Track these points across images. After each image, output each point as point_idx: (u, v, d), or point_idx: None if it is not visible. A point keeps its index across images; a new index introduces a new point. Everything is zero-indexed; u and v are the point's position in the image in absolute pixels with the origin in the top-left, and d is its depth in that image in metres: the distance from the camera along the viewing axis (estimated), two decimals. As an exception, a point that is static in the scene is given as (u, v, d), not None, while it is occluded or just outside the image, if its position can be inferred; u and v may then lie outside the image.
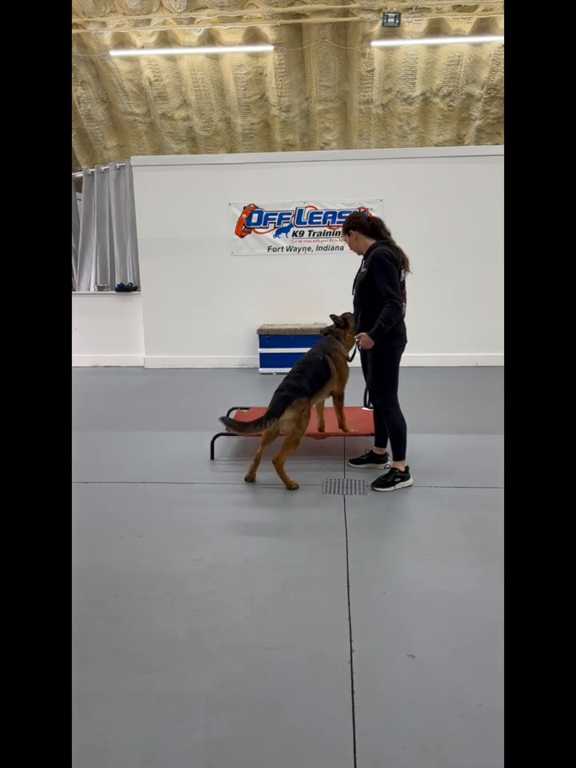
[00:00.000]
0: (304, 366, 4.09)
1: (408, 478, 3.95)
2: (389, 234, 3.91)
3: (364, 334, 3.78)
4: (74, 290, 8.94)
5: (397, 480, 3.89)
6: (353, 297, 4.01)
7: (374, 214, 7.82)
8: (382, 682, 2.16)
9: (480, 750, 1.86)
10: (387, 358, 3.86)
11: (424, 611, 2.58)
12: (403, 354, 3.91)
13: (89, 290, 9.07)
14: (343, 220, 4.08)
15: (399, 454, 3.95)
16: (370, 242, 3.87)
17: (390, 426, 3.96)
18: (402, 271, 3.81)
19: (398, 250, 3.83)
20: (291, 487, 3.89)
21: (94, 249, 9.19)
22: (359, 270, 3.96)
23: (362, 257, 3.95)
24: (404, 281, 3.85)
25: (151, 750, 1.88)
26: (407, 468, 3.96)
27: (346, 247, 4.11)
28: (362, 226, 3.87)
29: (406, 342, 3.90)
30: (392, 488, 3.86)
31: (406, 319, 3.91)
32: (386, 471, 3.99)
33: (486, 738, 1.89)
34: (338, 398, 4.33)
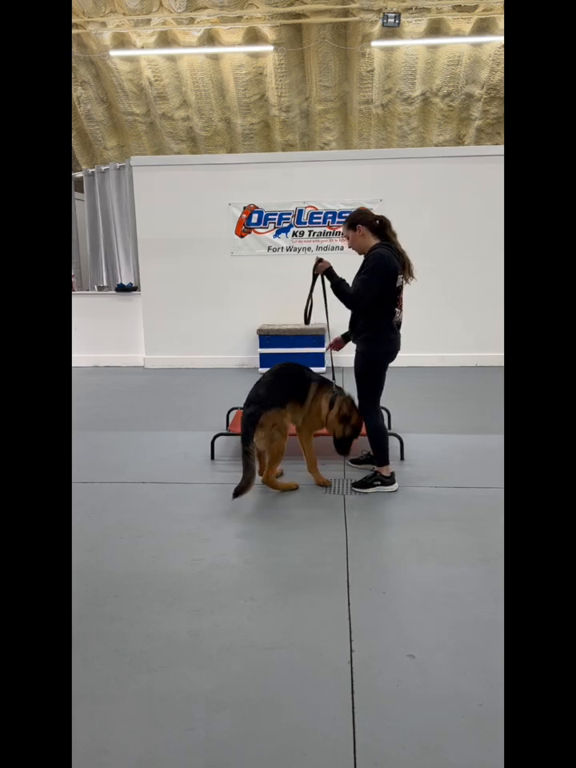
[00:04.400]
0: (281, 373, 3.95)
1: (392, 483, 3.87)
2: (394, 235, 3.76)
3: (326, 261, 3.78)
4: (75, 290, 8.94)
5: (376, 483, 3.85)
6: None
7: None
8: (382, 681, 2.16)
9: (480, 750, 1.86)
10: (370, 361, 3.75)
11: (424, 611, 2.58)
12: (400, 354, 3.83)
13: (92, 289, 9.08)
14: (344, 219, 3.94)
15: (382, 460, 3.87)
16: (374, 241, 3.71)
17: (368, 431, 3.85)
18: (400, 277, 3.67)
19: (401, 254, 3.70)
20: (291, 488, 3.88)
21: (91, 249, 9.19)
22: (358, 273, 3.80)
23: (362, 257, 3.78)
24: (401, 286, 3.72)
25: (151, 749, 1.88)
26: (393, 473, 3.89)
27: (346, 246, 3.91)
28: (371, 224, 3.71)
29: (396, 349, 3.79)
30: (371, 490, 3.82)
31: (406, 319, 3.88)
32: (370, 473, 3.94)
33: (486, 738, 1.89)
34: (301, 432, 3.98)
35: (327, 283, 3.83)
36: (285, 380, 3.93)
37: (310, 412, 3.92)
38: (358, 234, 3.73)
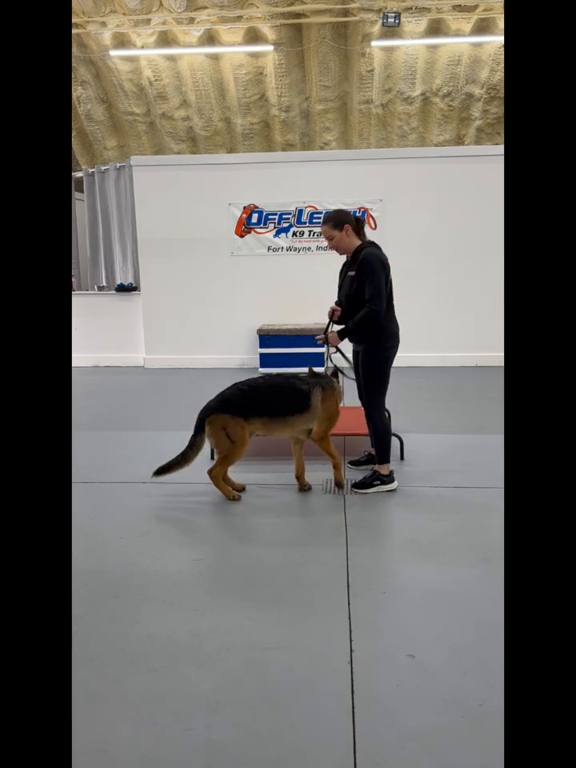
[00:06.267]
0: (259, 383, 3.82)
1: (391, 482, 3.86)
2: (365, 235, 3.82)
3: (334, 332, 3.76)
4: (74, 290, 8.94)
5: (376, 483, 3.84)
6: (340, 299, 3.91)
7: (374, 215, 7.83)
8: (382, 682, 2.16)
9: (480, 749, 1.86)
10: (379, 359, 3.74)
11: (424, 611, 2.58)
12: (400, 354, 3.84)
13: (91, 289, 9.08)
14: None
15: (383, 458, 3.86)
16: (357, 241, 3.74)
17: (371, 428, 3.86)
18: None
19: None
20: (229, 498, 3.74)
21: (91, 249, 9.20)
22: (344, 273, 3.82)
23: (345, 257, 3.82)
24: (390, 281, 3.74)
25: (151, 749, 1.88)
26: (392, 472, 3.89)
27: (328, 246, 3.84)
28: (353, 224, 3.72)
29: (399, 342, 3.81)
30: (372, 490, 3.82)
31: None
32: (369, 473, 3.93)
33: (486, 738, 1.89)
34: (320, 440, 3.84)
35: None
36: (267, 395, 3.77)
37: (322, 415, 3.77)
38: (345, 233, 3.71)
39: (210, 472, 3.78)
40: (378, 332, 3.68)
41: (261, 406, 3.72)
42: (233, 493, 3.79)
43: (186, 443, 3.73)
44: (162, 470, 3.71)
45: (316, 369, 4.04)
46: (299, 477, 3.96)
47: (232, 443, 3.69)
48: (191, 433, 3.76)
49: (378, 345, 3.73)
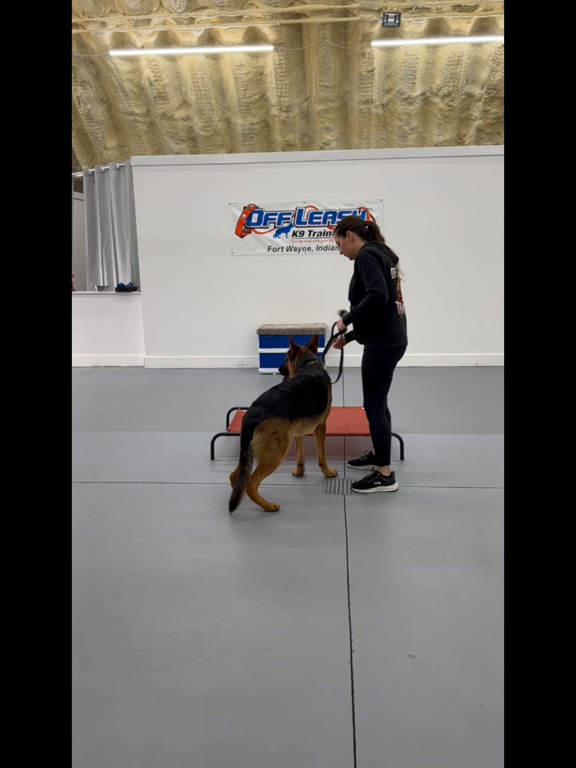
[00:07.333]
0: (305, 388, 3.83)
1: (392, 483, 3.87)
2: (383, 240, 3.85)
3: (339, 319, 3.88)
4: (74, 290, 8.94)
5: (376, 483, 3.85)
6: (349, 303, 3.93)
7: (373, 215, 7.84)
8: (382, 682, 2.16)
9: (480, 750, 1.86)
10: (380, 358, 3.76)
11: (424, 611, 2.58)
12: (404, 355, 3.84)
13: (90, 289, 9.08)
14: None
15: (383, 460, 3.87)
16: (362, 244, 3.78)
17: (371, 430, 3.87)
18: (393, 269, 3.72)
19: (386, 249, 3.78)
20: (270, 510, 3.58)
21: (89, 249, 9.20)
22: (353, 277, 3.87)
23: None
24: (397, 279, 3.76)
25: (151, 749, 1.88)
26: (393, 473, 3.90)
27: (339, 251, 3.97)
28: (360, 229, 3.78)
29: (404, 344, 3.80)
30: (372, 490, 3.83)
31: (407, 319, 3.88)
32: (370, 473, 3.94)
33: (486, 738, 1.89)
34: (321, 429, 4.05)
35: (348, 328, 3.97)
36: (306, 395, 3.80)
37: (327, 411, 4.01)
38: (348, 240, 3.81)
39: (248, 488, 3.54)
40: (381, 325, 3.70)
41: (302, 408, 3.74)
42: (271, 504, 3.60)
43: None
44: (234, 503, 3.52)
45: (302, 346, 4.32)
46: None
47: (278, 448, 3.56)
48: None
49: (380, 344, 3.74)
